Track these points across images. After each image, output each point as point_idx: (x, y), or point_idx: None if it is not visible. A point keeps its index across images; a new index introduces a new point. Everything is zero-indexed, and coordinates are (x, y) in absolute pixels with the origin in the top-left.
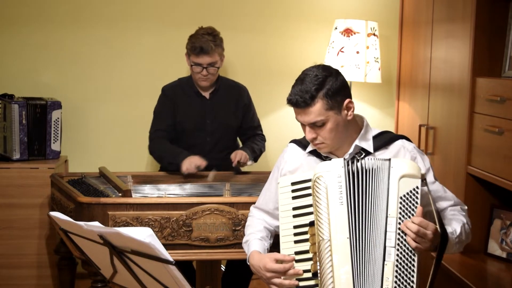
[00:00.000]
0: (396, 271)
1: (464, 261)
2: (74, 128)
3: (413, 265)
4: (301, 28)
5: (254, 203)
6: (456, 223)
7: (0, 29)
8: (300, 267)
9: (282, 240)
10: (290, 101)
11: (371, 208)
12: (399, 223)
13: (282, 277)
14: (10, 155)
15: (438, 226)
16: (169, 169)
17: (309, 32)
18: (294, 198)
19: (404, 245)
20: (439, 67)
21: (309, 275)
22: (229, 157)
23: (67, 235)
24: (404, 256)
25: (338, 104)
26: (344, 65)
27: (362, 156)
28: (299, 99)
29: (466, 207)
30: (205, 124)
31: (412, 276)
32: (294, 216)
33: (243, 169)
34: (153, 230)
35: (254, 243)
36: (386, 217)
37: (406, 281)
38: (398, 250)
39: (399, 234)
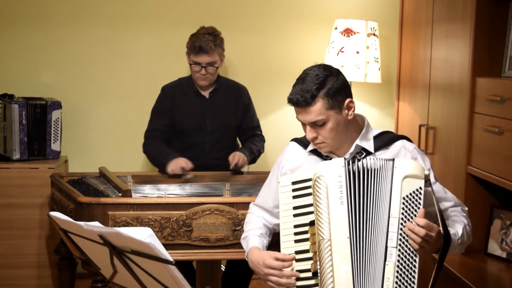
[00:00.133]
0: (397, 272)
1: (464, 261)
2: (74, 128)
3: (415, 266)
4: (301, 28)
5: None
6: (457, 224)
7: (0, 29)
8: (300, 266)
9: (282, 239)
10: (291, 100)
11: (372, 208)
12: (401, 224)
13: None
14: (10, 155)
15: (441, 228)
16: (160, 171)
17: (309, 32)
18: (294, 197)
19: (406, 246)
20: (439, 67)
21: (309, 274)
22: (229, 156)
23: (67, 235)
24: (405, 256)
25: (339, 103)
26: (344, 65)
27: (363, 156)
28: (300, 98)
29: (466, 208)
30: (205, 123)
31: (413, 277)
32: (295, 215)
33: (242, 168)
34: (153, 230)
35: (253, 239)
36: (389, 217)
37: (407, 281)
38: (399, 250)
39: (401, 234)
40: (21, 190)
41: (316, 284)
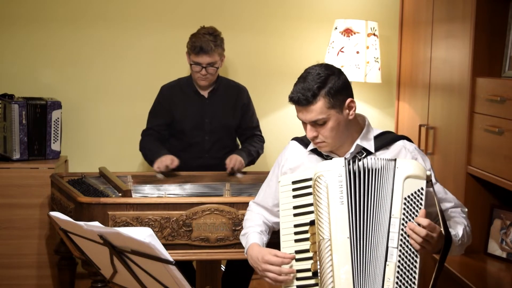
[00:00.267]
0: (398, 272)
1: (464, 261)
2: (74, 128)
3: (415, 266)
4: (301, 28)
5: None
6: (458, 225)
7: (0, 29)
8: (300, 266)
9: (282, 238)
10: (292, 99)
11: (373, 208)
12: (403, 224)
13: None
14: (10, 155)
15: (442, 229)
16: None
17: (309, 32)
18: (294, 197)
19: (407, 246)
20: (439, 67)
21: (309, 274)
22: (228, 156)
23: (67, 235)
24: (406, 257)
25: (340, 103)
26: (344, 65)
27: (363, 155)
28: (301, 97)
29: (466, 210)
30: (204, 123)
31: (414, 278)
32: (295, 215)
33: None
34: (153, 230)
35: (253, 235)
36: (390, 217)
37: (407, 282)
38: (400, 251)
39: (402, 235)
40: (21, 190)
41: (316, 284)
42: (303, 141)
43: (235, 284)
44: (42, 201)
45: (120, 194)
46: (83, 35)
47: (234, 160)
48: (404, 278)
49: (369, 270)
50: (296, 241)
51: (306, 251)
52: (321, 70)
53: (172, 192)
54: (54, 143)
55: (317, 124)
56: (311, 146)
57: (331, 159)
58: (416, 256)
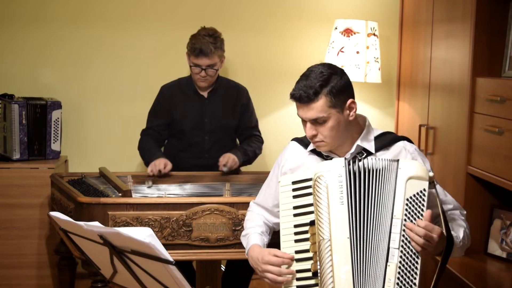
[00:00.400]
0: (399, 273)
1: (464, 261)
2: (74, 128)
3: (416, 268)
4: (301, 28)
5: None
6: (458, 227)
7: (0, 29)
8: (300, 266)
9: (282, 239)
10: (294, 96)
11: (374, 208)
12: (404, 225)
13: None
14: (10, 155)
15: (444, 230)
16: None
17: (309, 32)
18: (294, 197)
19: (408, 247)
20: (439, 67)
21: (309, 274)
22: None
23: (67, 235)
24: (407, 258)
25: (341, 102)
26: (344, 65)
27: (364, 156)
28: (303, 94)
29: (465, 212)
30: (203, 123)
31: (415, 279)
32: (295, 215)
33: (243, 169)
34: (153, 230)
35: (254, 236)
36: (392, 218)
37: (408, 283)
38: (402, 251)
39: (403, 235)
40: (21, 190)
41: (316, 284)
42: (303, 142)
43: (235, 284)
44: (42, 201)
45: (120, 194)
46: (83, 35)
47: (227, 158)
48: (405, 279)
49: (369, 271)
50: (296, 241)
51: (306, 251)
52: (324, 69)
53: (172, 192)
54: (54, 143)
55: (317, 122)
56: (311, 147)
57: (331, 159)
58: (417, 257)
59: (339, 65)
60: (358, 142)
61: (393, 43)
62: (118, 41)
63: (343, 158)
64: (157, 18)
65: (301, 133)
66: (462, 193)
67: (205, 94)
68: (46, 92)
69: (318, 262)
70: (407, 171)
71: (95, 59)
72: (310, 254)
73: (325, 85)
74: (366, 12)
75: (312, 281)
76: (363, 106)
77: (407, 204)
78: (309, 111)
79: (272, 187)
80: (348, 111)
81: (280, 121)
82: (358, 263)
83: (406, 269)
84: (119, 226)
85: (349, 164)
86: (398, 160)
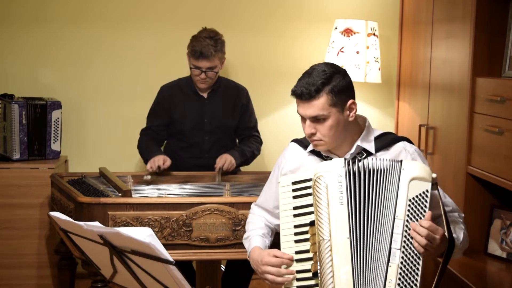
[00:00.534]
0: (400, 274)
1: (464, 261)
2: (74, 128)
3: (418, 269)
4: (301, 28)
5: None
6: (458, 229)
7: (0, 29)
8: (300, 266)
9: (282, 239)
10: (295, 92)
11: (375, 209)
12: (406, 226)
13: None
14: (10, 155)
15: (446, 232)
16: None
17: (309, 32)
18: (294, 197)
19: (410, 248)
20: (439, 67)
21: (309, 275)
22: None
23: (67, 235)
24: (409, 259)
25: (342, 102)
26: (344, 65)
27: (364, 156)
28: (304, 91)
29: (463, 215)
30: (203, 123)
31: (416, 280)
32: (295, 215)
33: (242, 168)
34: (153, 230)
35: (255, 239)
36: (394, 218)
37: (409, 284)
38: (403, 252)
39: (405, 236)
40: (21, 190)
41: (316, 285)
42: (303, 143)
43: (235, 284)
44: (42, 201)
45: (120, 194)
46: (83, 35)
47: (224, 159)
48: (406, 280)
49: (370, 271)
50: (296, 241)
51: (306, 251)
52: (327, 68)
53: (172, 192)
54: (54, 143)
55: (316, 120)
56: (310, 147)
57: (330, 159)
58: (419, 258)
59: (339, 65)
60: (358, 143)
61: (393, 43)
62: (118, 41)
63: (342, 159)
64: (157, 18)
65: (301, 134)
66: (462, 193)
67: (205, 94)
68: (46, 92)
69: (318, 263)
70: (410, 172)
71: (95, 59)
72: (310, 255)
73: (327, 83)
74: (366, 12)
75: (312, 282)
76: (363, 106)
77: (409, 205)
78: (309, 108)
79: (272, 188)
80: (348, 112)
81: (280, 121)
82: (358, 263)
83: (407, 269)
84: (119, 226)
85: (348, 165)
86: (401, 161)
